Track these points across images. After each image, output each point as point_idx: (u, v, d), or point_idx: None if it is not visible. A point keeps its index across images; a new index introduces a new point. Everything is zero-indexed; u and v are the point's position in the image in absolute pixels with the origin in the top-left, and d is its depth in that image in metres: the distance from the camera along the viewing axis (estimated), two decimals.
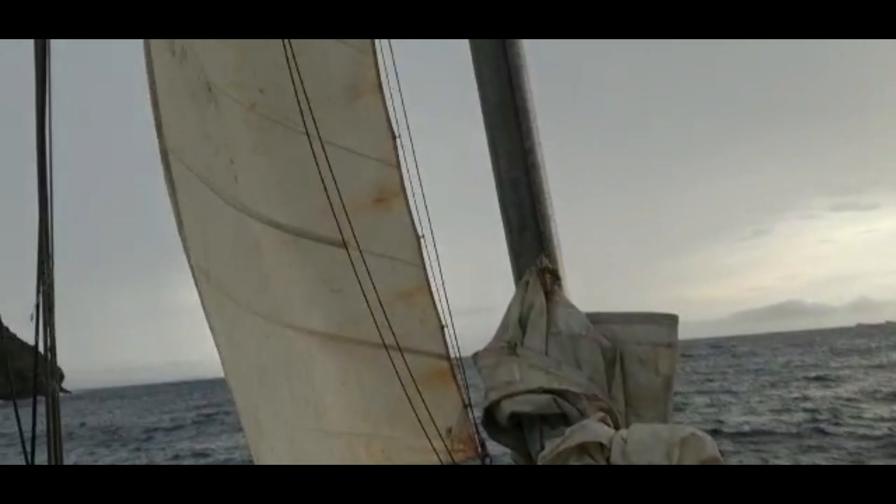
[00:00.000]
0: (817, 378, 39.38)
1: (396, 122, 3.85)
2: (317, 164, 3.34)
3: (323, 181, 3.22)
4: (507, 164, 2.41)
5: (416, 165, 3.76)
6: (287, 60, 3.27)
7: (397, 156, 3.87)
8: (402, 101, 3.80)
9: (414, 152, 3.79)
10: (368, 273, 3.29)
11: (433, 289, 3.87)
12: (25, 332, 3.21)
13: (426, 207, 3.76)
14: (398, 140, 3.87)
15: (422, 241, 3.84)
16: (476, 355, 2.49)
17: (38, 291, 2.87)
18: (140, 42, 3.83)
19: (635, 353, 2.18)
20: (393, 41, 3.68)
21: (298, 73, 3.35)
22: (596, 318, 2.23)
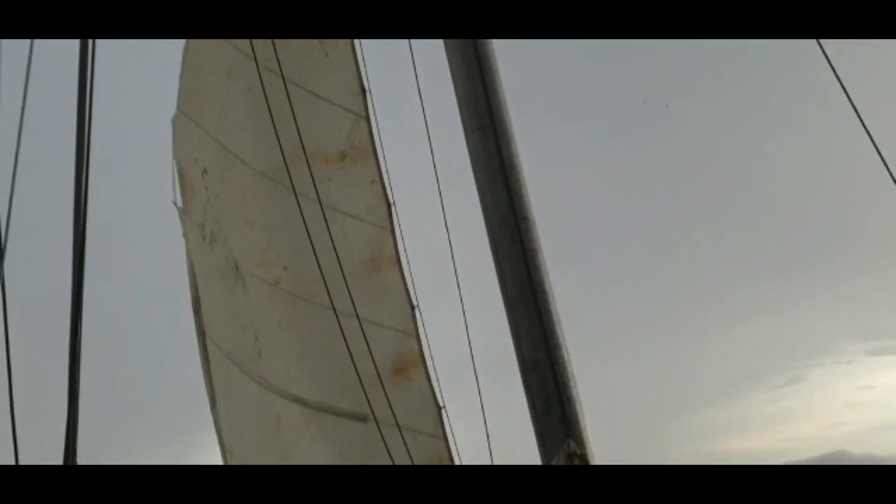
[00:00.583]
0: None
1: (416, 293, 3.98)
2: (343, 331, 3.43)
3: (348, 348, 3.30)
4: (529, 346, 2.47)
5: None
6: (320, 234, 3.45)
7: (416, 325, 3.96)
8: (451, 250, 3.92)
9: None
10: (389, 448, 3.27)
11: (456, 461, 3.81)
12: None
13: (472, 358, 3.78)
14: (417, 310, 3.99)
15: (443, 411, 3.84)
16: None
17: None
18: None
19: None
20: (403, 222, 3.90)
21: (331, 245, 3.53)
22: None
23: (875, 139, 2.80)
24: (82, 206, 3.61)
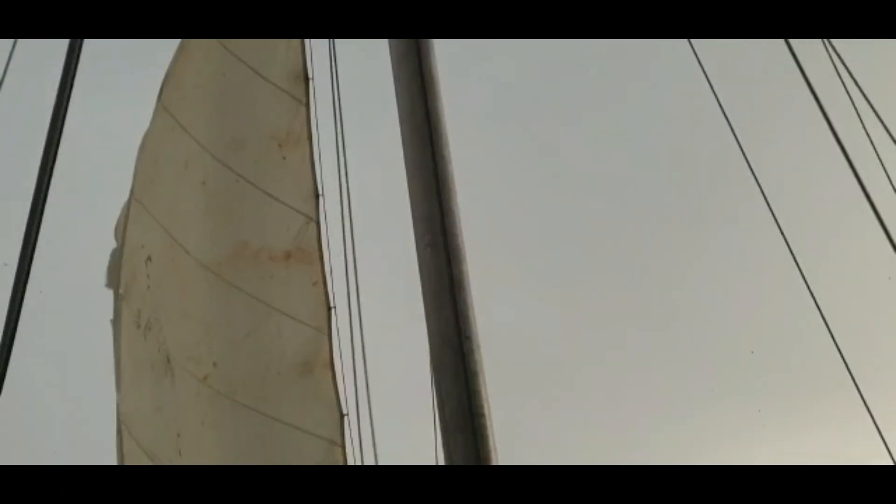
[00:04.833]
0: None
1: (347, 400, 3.94)
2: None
3: None
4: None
5: None
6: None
7: (342, 435, 3.90)
8: None
9: None
10: None
11: None
12: None
13: None
14: (346, 418, 3.93)
15: None
16: None
17: None
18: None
19: None
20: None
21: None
22: None
23: None
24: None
